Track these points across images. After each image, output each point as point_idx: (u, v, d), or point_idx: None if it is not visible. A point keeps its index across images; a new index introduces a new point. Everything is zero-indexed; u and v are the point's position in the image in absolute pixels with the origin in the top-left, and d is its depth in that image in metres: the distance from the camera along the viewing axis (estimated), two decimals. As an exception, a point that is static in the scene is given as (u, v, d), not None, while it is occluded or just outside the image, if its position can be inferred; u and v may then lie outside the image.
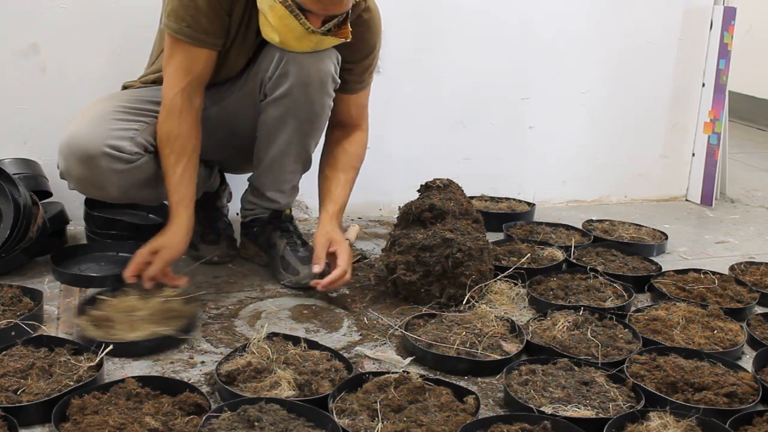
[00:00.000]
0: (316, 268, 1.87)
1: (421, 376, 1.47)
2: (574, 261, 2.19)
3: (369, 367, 1.61)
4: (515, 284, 1.97)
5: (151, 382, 1.41)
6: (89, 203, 2.20)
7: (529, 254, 2.14)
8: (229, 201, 2.34)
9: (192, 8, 1.74)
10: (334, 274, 1.84)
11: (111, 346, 1.47)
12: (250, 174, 2.10)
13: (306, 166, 2.04)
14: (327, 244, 1.89)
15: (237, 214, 2.38)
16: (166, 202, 2.06)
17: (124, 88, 2.00)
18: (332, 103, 1.94)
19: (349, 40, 1.82)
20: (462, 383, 1.52)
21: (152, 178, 1.87)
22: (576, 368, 1.56)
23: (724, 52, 2.91)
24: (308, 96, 1.87)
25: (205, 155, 2.04)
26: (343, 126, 2.05)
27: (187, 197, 1.81)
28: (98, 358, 1.44)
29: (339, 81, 1.92)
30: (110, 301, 1.68)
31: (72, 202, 2.29)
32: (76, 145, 1.76)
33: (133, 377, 1.40)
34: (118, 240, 2.13)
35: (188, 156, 1.81)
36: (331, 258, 1.89)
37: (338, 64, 1.90)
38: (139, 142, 1.81)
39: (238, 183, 2.31)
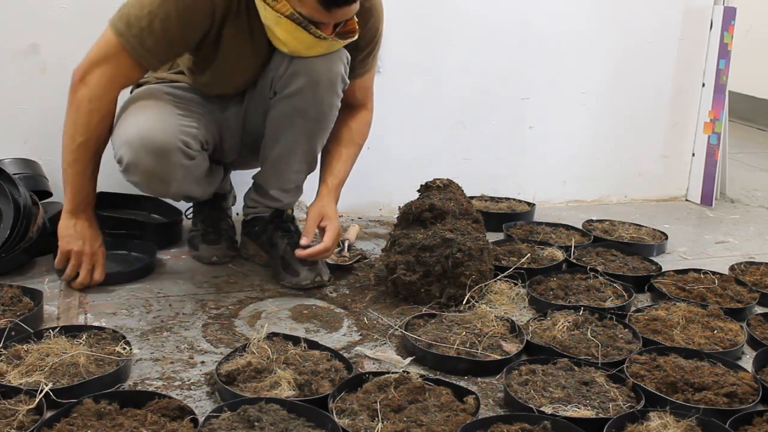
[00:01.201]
0: (304, 240, 1.92)
1: (421, 376, 1.47)
2: (574, 261, 2.19)
3: (369, 367, 1.61)
4: (515, 284, 1.97)
5: (107, 398, 1.35)
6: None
7: (529, 254, 2.14)
8: (233, 204, 2.35)
9: (145, 22, 1.71)
10: (317, 248, 1.90)
11: (50, 385, 1.36)
12: (255, 172, 2.10)
13: (311, 166, 2.04)
14: (318, 218, 1.94)
15: (237, 214, 2.38)
16: (167, 200, 2.07)
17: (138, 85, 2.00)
18: (340, 104, 1.95)
19: (356, 37, 1.84)
20: (462, 383, 1.52)
21: (203, 175, 1.93)
22: (576, 368, 1.56)
23: (724, 52, 2.91)
24: (317, 95, 1.87)
25: (222, 156, 2.04)
26: (350, 107, 2.06)
27: (91, 195, 1.90)
28: (36, 401, 1.32)
29: (348, 81, 1.93)
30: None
31: (72, 202, 2.29)
32: (150, 138, 1.76)
33: (88, 397, 1.34)
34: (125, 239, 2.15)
35: (98, 159, 1.86)
36: (320, 233, 1.94)
37: (348, 63, 1.91)
38: (200, 140, 1.85)
39: (240, 183, 2.31)
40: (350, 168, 2.05)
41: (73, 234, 1.88)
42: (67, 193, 1.87)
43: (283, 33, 1.75)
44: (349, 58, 1.91)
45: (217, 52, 1.83)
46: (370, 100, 2.11)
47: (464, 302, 1.84)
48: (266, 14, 1.74)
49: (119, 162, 1.81)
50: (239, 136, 2.02)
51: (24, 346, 1.52)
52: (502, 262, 2.12)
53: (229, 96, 1.97)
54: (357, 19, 1.82)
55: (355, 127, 2.06)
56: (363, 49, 1.97)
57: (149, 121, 1.78)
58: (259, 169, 2.07)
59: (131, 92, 1.98)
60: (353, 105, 2.06)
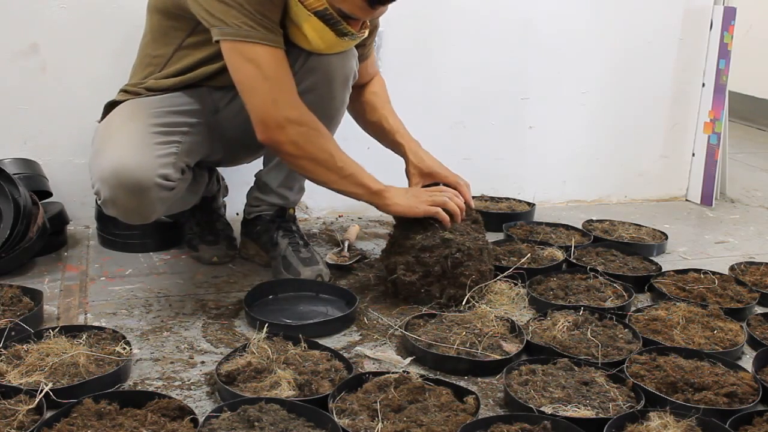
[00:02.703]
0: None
1: (421, 376, 1.47)
2: (574, 261, 2.19)
3: (369, 367, 1.61)
4: (515, 284, 1.97)
5: (107, 398, 1.34)
6: None
7: (529, 254, 2.14)
8: (225, 196, 2.34)
9: (267, 3, 1.65)
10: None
11: (50, 385, 1.36)
12: (257, 170, 2.10)
13: None
14: (425, 176, 2.00)
15: (237, 214, 2.38)
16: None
17: (124, 91, 1.97)
18: (348, 100, 1.97)
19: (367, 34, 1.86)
20: (462, 383, 1.52)
21: (186, 192, 1.88)
22: (576, 368, 1.56)
23: (724, 52, 2.91)
24: (332, 91, 1.88)
25: (210, 155, 2.03)
26: (363, 84, 2.09)
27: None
28: (36, 401, 1.32)
29: (357, 75, 1.96)
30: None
31: (72, 202, 2.30)
32: (125, 176, 1.65)
33: (88, 397, 1.34)
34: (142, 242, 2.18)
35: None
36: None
37: (357, 59, 1.94)
38: (179, 166, 1.77)
39: (241, 183, 2.31)
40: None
41: (409, 195, 1.89)
42: (372, 188, 1.83)
43: (311, 31, 1.74)
44: (357, 54, 1.94)
45: None
46: (377, 69, 2.14)
47: (464, 302, 1.83)
48: (297, 11, 1.72)
49: (96, 195, 1.73)
50: (231, 135, 2.00)
51: (24, 346, 1.52)
52: (502, 262, 2.12)
53: (222, 93, 1.95)
54: None
55: (379, 90, 2.09)
56: (370, 36, 1.98)
57: (124, 156, 1.67)
58: (264, 167, 2.07)
59: (112, 108, 1.90)
60: (367, 80, 2.10)
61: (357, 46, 1.95)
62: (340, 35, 1.75)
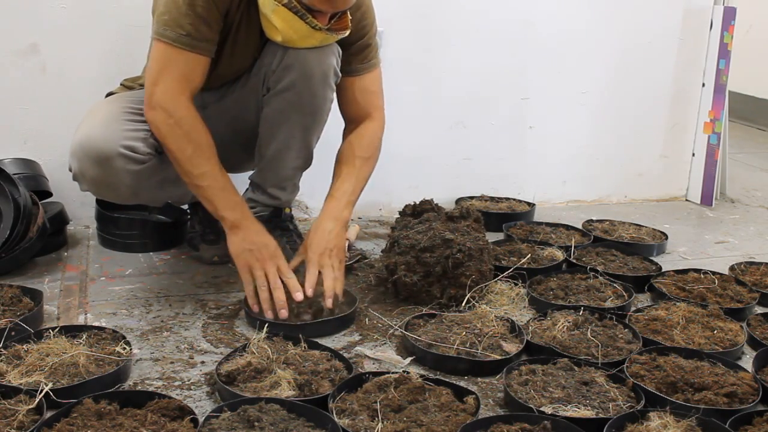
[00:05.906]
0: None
1: (421, 376, 1.47)
2: (574, 261, 2.19)
3: (369, 367, 1.61)
4: (515, 284, 1.97)
5: (107, 398, 1.35)
6: (102, 202, 2.20)
7: (529, 254, 2.14)
8: None
9: (191, 16, 1.69)
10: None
11: (50, 385, 1.36)
12: (252, 172, 2.10)
13: (307, 162, 2.03)
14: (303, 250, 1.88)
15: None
16: (169, 201, 2.06)
17: (122, 84, 1.99)
18: (334, 97, 1.94)
19: (348, 33, 1.83)
20: (462, 383, 1.52)
21: (162, 180, 1.87)
22: (576, 368, 1.56)
23: (724, 52, 2.91)
24: (311, 89, 1.86)
25: None
26: (353, 119, 1.99)
27: (242, 201, 1.81)
28: (36, 401, 1.32)
29: (340, 74, 1.92)
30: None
31: (72, 202, 2.30)
32: (90, 146, 1.73)
33: (88, 397, 1.34)
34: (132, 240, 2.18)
35: (218, 159, 1.77)
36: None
37: (339, 56, 1.90)
38: (151, 143, 1.80)
39: (237, 182, 2.31)
40: (354, 184, 1.92)
41: (245, 247, 1.76)
42: (218, 211, 1.77)
43: (280, 21, 1.74)
44: (341, 52, 1.90)
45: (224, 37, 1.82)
46: (376, 109, 1.99)
47: (464, 302, 1.83)
48: (264, 1, 1.73)
49: (70, 171, 1.79)
50: (223, 134, 1.98)
51: (24, 346, 1.52)
52: (502, 262, 2.12)
53: (210, 93, 1.94)
54: (350, 16, 1.82)
55: (356, 142, 1.95)
56: (354, 43, 1.93)
57: (91, 128, 1.75)
58: (256, 167, 2.07)
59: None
60: (358, 115, 1.99)
61: (347, 58, 1.92)
62: (311, 27, 1.75)
